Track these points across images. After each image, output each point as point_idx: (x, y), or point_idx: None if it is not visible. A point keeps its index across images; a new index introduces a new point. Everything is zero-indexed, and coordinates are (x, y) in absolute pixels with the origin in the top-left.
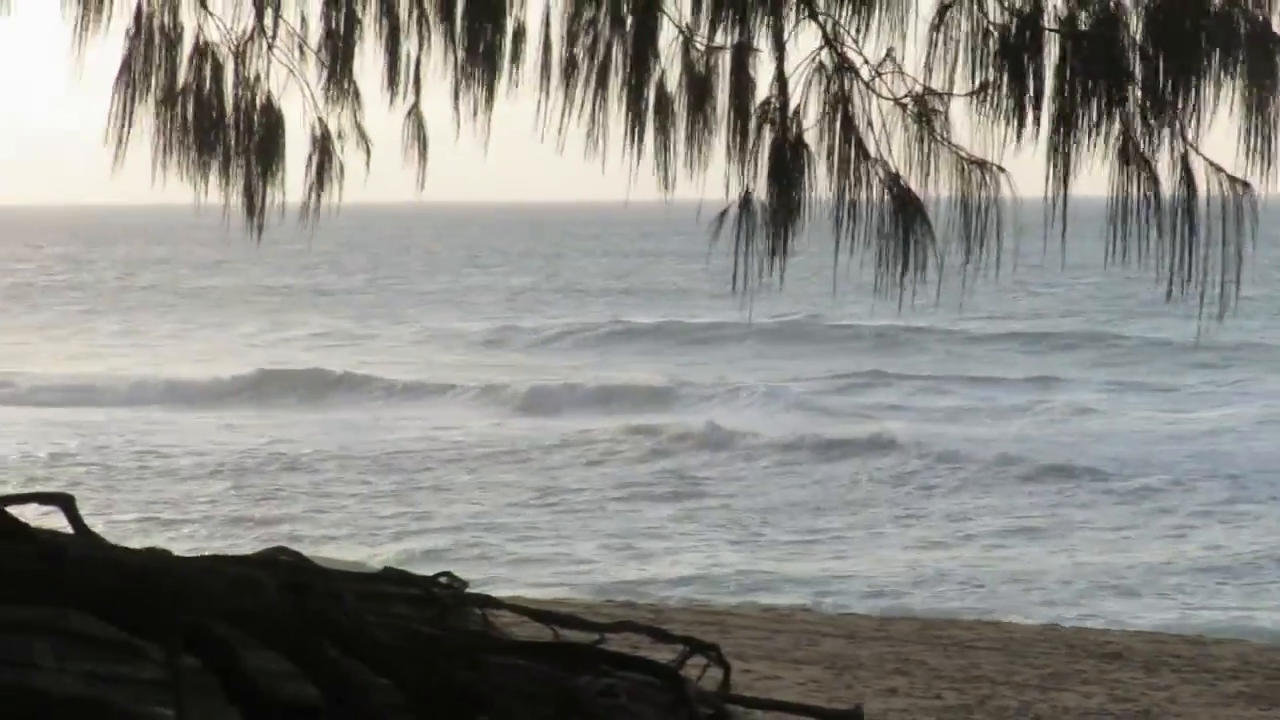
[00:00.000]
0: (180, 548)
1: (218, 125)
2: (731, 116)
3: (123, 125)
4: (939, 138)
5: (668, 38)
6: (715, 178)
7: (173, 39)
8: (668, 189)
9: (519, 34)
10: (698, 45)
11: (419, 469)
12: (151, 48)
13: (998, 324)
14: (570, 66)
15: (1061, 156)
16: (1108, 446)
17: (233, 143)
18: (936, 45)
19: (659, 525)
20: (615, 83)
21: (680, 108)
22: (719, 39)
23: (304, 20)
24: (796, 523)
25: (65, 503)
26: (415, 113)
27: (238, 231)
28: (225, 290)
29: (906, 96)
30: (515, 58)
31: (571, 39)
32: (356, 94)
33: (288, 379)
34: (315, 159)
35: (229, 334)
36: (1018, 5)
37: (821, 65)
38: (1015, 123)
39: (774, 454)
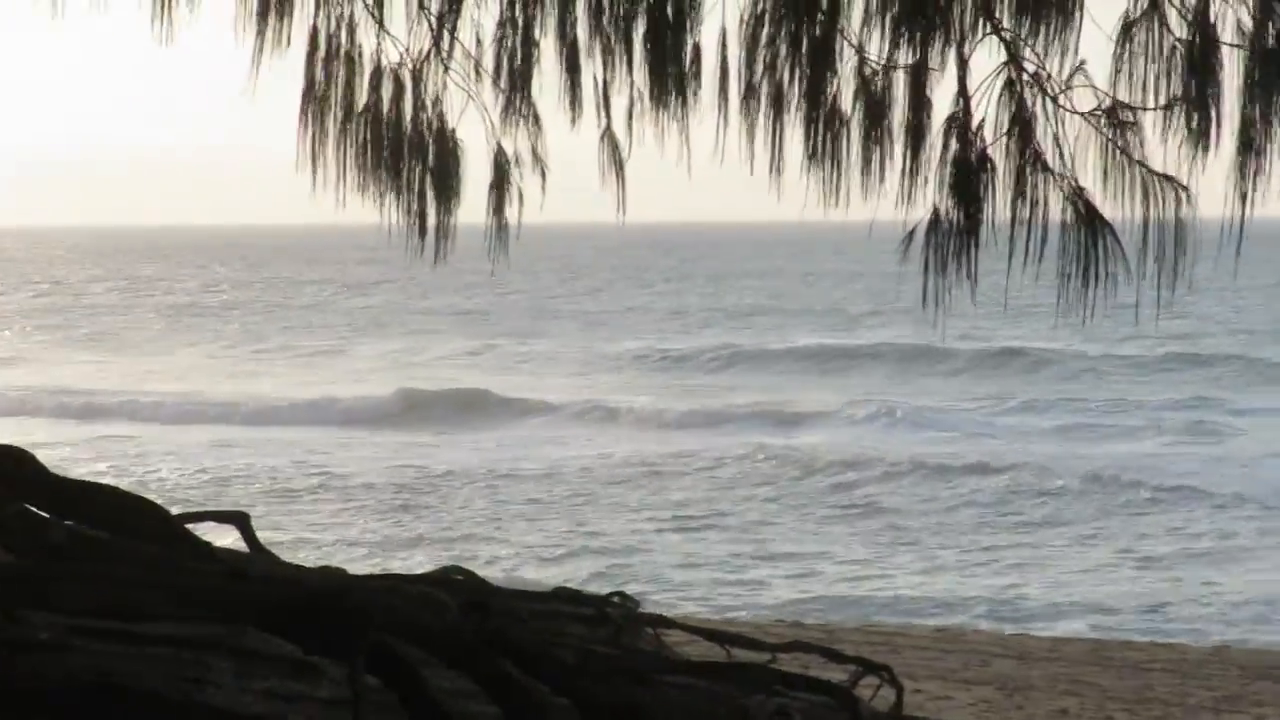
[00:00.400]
0: (351, 566)
1: (396, 147)
2: (911, 134)
3: (311, 147)
4: (1126, 154)
5: (844, 57)
6: (887, 198)
7: (351, 60)
8: (840, 207)
9: (696, 55)
10: (874, 64)
11: (581, 488)
12: (330, 69)
13: (1154, 345)
14: (749, 88)
15: (1243, 176)
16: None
17: (410, 164)
18: (1121, 61)
19: (828, 543)
20: (792, 102)
21: (856, 126)
22: (898, 58)
23: (479, 41)
24: (962, 540)
25: (241, 521)
26: (609, 135)
27: (413, 253)
28: (390, 308)
29: (1095, 112)
30: (694, 78)
31: (750, 59)
32: (535, 117)
33: (446, 399)
34: (492, 181)
35: (389, 352)
36: (1199, 19)
37: (1004, 81)
38: (1200, 140)
39: (933, 474)
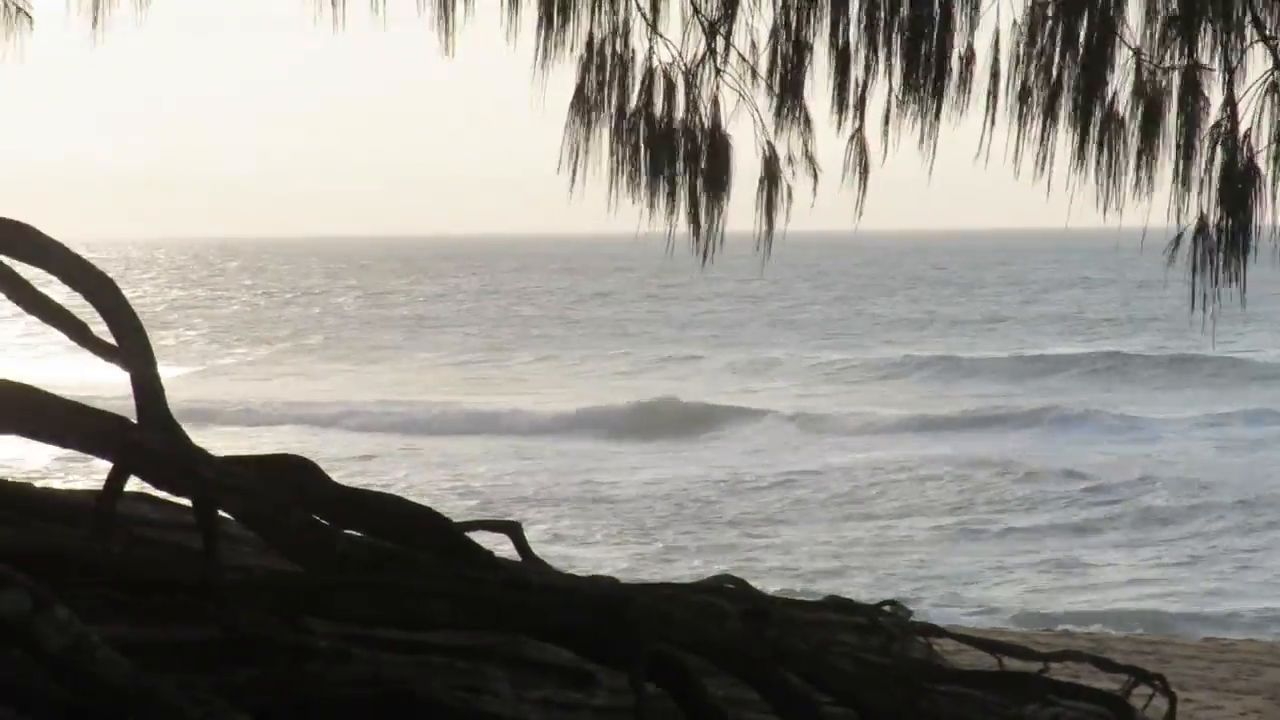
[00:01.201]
0: (618, 575)
1: (667, 149)
2: (1182, 139)
3: (575, 150)
4: None
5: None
6: (1159, 203)
7: (625, 64)
8: (1116, 212)
9: (968, 59)
10: (1149, 66)
11: (843, 497)
12: (604, 74)
13: None
14: (1024, 91)
15: None
16: None
17: (681, 167)
18: None
19: (1092, 554)
20: (1065, 106)
21: (1133, 130)
22: (1168, 61)
23: (754, 45)
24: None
25: (513, 530)
26: (858, 137)
27: (680, 259)
28: (633, 316)
29: None
30: (963, 83)
31: (1025, 62)
32: (807, 119)
33: (685, 411)
34: (763, 184)
35: (633, 360)
36: None
37: (1272, 87)
38: None
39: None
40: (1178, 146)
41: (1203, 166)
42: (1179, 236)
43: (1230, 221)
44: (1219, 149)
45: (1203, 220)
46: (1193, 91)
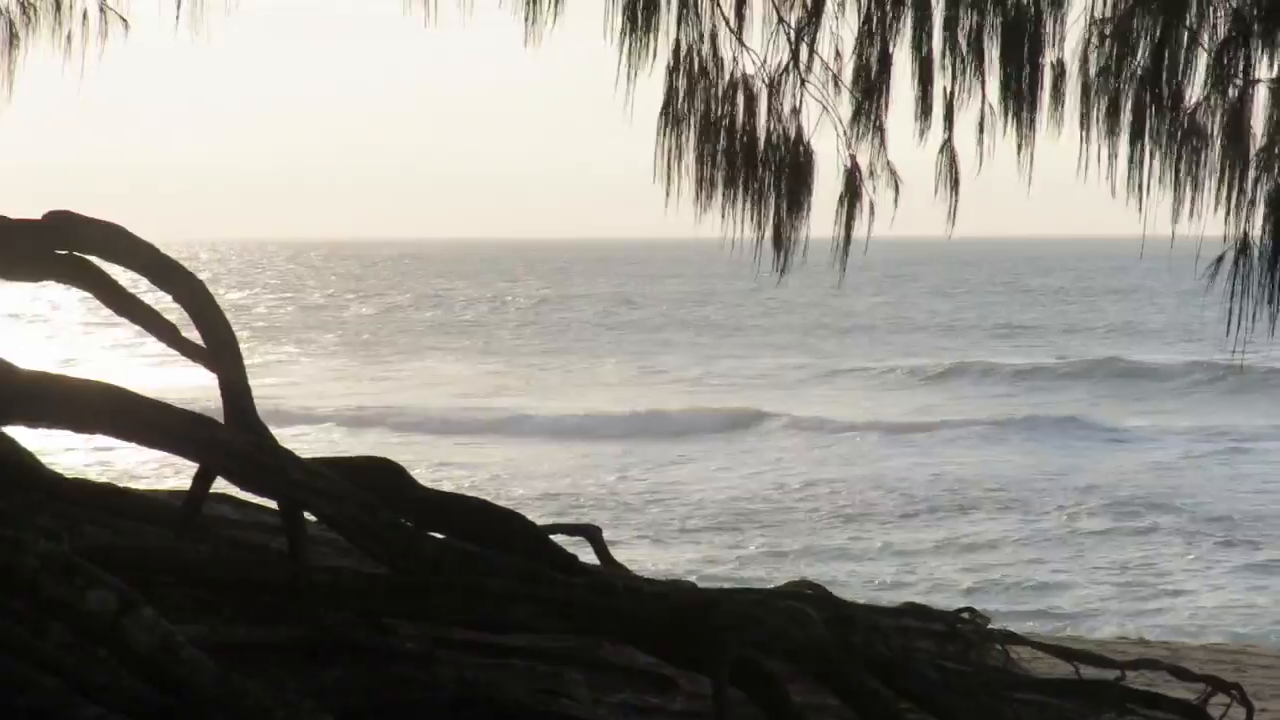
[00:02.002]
0: (690, 578)
1: (750, 157)
2: (1231, 158)
3: (668, 159)
4: None
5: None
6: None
7: (711, 73)
8: (1196, 223)
9: (1059, 73)
10: (1236, 82)
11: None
12: (692, 82)
13: None
14: (1112, 105)
15: None
16: None
17: (764, 176)
18: None
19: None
20: (1151, 119)
21: (1217, 144)
22: (1252, 72)
23: (838, 54)
24: None
25: (593, 534)
26: (948, 148)
27: (759, 265)
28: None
29: None
30: (1055, 96)
31: (1106, 75)
32: (882, 129)
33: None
34: (844, 195)
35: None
36: None
37: None
38: None
39: None
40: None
41: (1250, 186)
42: (1220, 257)
43: (1274, 241)
44: (1274, 167)
45: (1245, 238)
46: (1243, 109)
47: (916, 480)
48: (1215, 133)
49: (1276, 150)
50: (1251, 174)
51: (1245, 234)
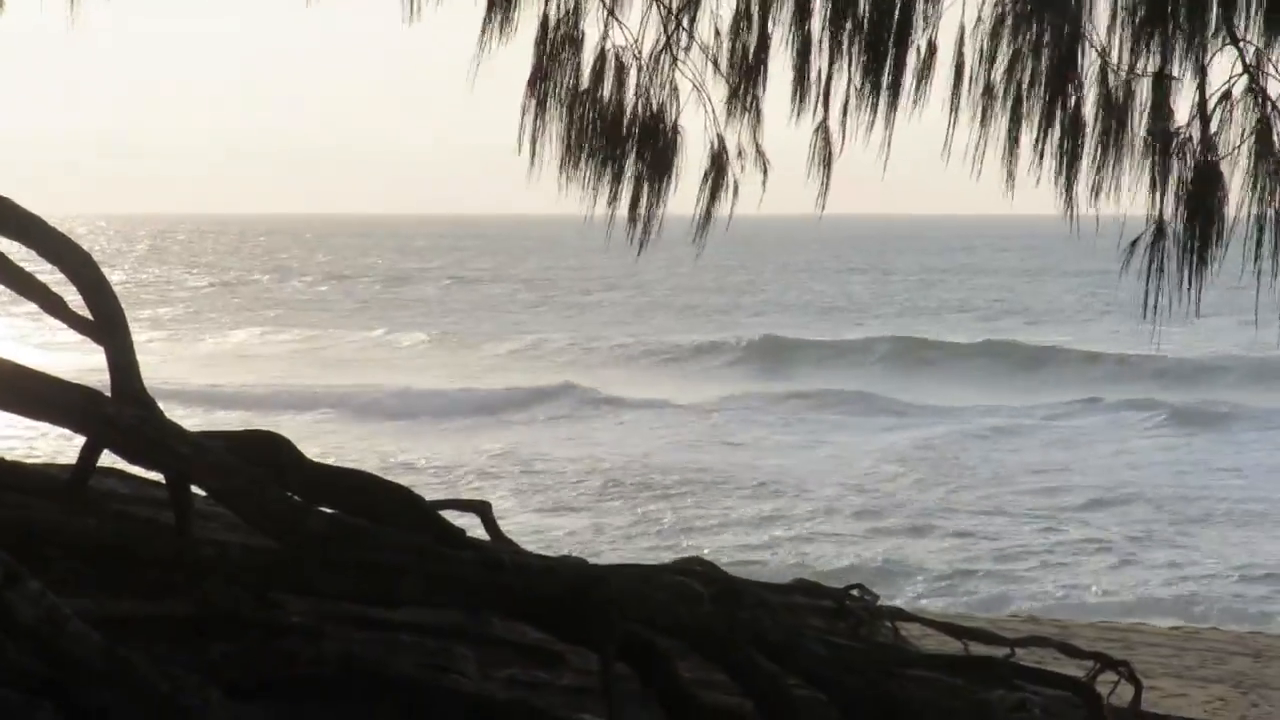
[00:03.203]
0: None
1: (615, 133)
2: (1144, 143)
3: (533, 132)
4: None
5: (1086, 62)
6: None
7: (577, 47)
8: (1072, 208)
9: (930, 53)
10: (1117, 71)
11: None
12: (557, 56)
13: None
14: (987, 88)
15: None
16: None
17: (630, 153)
18: None
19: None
20: (1033, 105)
21: (1094, 133)
22: (1139, 66)
23: (717, 34)
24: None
25: (483, 510)
26: (823, 129)
27: (622, 241)
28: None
29: None
30: (924, 77)
31: (988, 60)
32: (758, 112)
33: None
34: (708, 173)
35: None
36: None
37: (1240, 92)
38: None
39: None
40: (1141, 151)
41: (1165, 170)
42: (1135, 241)
43: (1190, 226)
44: (1185, 153)
45: (1160, 223)
46: (1166, 94)
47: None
48: (1136, 110)
49: (1189, 132)
50: (1167, 157)
51: (1161, 217)
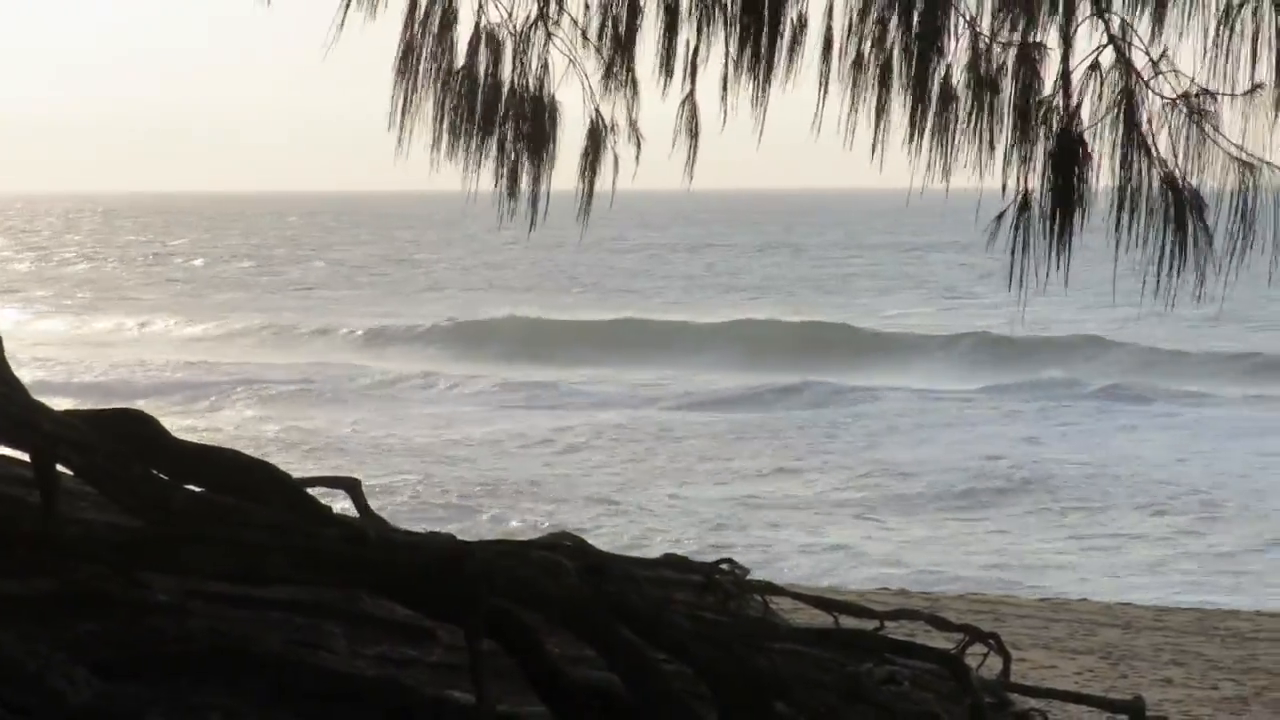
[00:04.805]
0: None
1: (492, 111)
2: (1014, 114)
3: (403, 108)
4: (1209, 138)
5: (955, 32)
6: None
7: (450, 22)
8: (947, 181)
9: (800, 25)
10: (984, 41)
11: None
12: (428, 32)
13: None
14: (857, 59)
15: None
16: None
17: (507, 129)
18: (1221, 45)
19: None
20: (898, 77)
21: (965, 104)
22: (1005, 35)
23: (587, 8)
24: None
25: (352, 486)
26: (689, 101)
27: (504, 218)
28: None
29: (1190, 95)
30: (794, 49)
31: (857, 31)
32: (634, 84)
33: None
34: (587, 149)
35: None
36: None
37: (1106, 64)
38: None
39: None
40: (1010, 122)
41: (1030, 141)
42: (1001, 214)
43: (1055, 197)
44: (1051, 123)
45: (1026, 195)
46: (1034, 64)
47: None
48: (1005, 81)
49: (1055, 103)
50: (1036, 127)
51: (1027, 189)
